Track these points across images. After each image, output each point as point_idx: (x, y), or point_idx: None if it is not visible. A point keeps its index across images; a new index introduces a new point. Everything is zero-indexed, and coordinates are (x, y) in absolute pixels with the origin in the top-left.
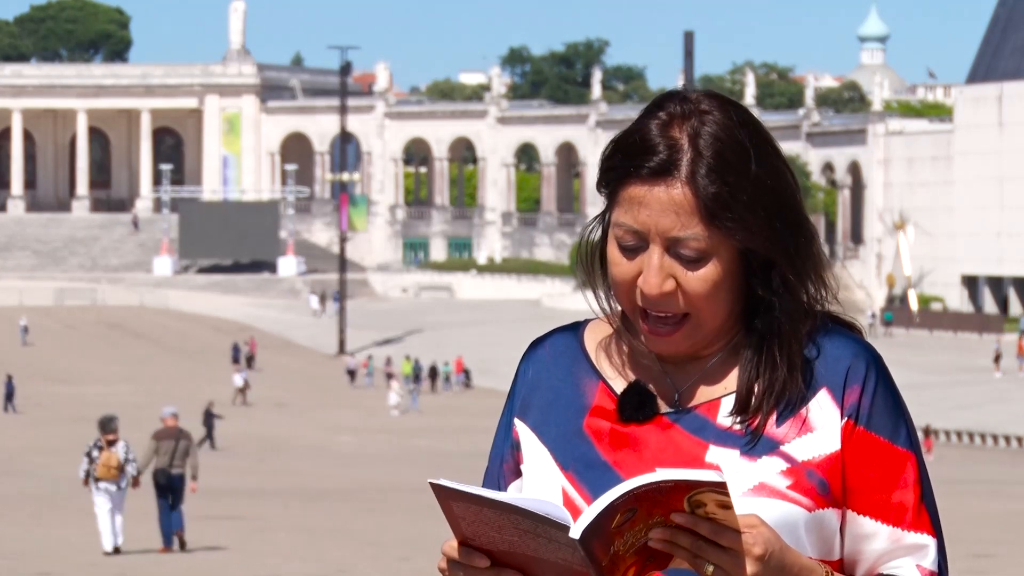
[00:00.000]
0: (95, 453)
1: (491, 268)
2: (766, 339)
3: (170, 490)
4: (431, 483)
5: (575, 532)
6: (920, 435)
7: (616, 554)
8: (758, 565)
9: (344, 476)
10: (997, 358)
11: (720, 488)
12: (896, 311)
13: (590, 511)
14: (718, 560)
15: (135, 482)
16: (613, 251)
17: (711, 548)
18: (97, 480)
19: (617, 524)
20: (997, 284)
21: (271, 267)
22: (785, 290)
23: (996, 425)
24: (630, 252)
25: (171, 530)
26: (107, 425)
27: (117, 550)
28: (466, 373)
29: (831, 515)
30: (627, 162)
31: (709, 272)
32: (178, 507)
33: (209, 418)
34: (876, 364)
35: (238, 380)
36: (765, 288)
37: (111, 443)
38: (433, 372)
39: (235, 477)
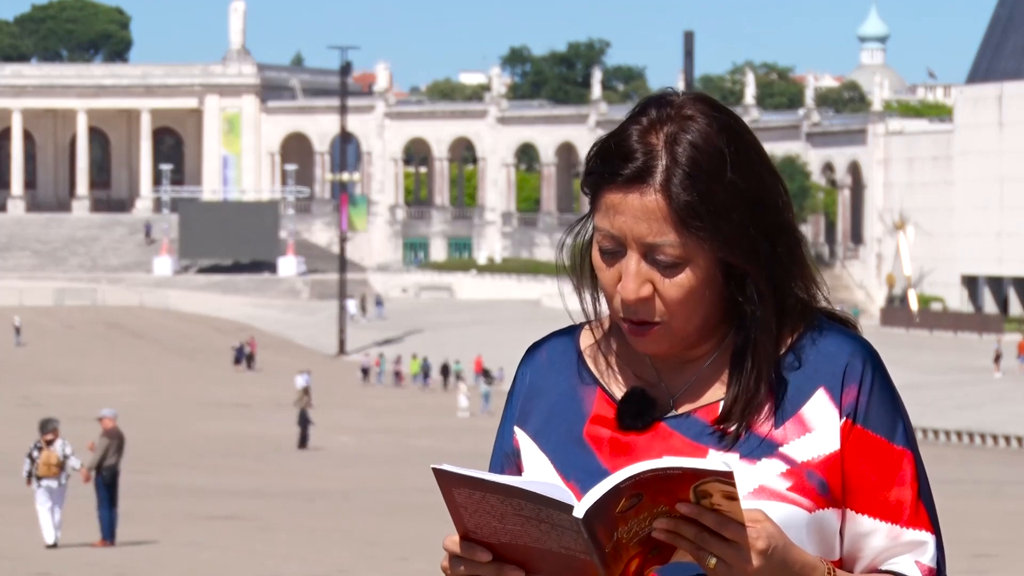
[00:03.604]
0: (35, 453)
1: (491, 268)
2: (747, 346)
3: (113, 488)
4: (434, 468)
5: (579, 511)
6: None
7: (619, 542)
8: (761, 559)
9: (344, 476)
10: (997, 358)
11: (727, 478)
12: (896, 311)
13: (594, 491)
14: (721, 552)
15: (85, 476)
16: (596, 256)
17: (715, 540)
18: (39, 478)
19: (622, 509)
20: (997, 284)
21: (271, 267)
22: (760, 299)
23: (996, 425)
24: (610, 256)
25: (112, 524)
26: (45, 426)
27: (55, 544)
28: (485, 372)
29: (831, 515)
30: (605, 167)
31: (685, 279)
32: (115, 506)
33: (304, 420)
34: (872, 361)
35: (300, 381)
36: (742, 295)
37: (49, 443)
38: (445, 371)
39: (235, 477)
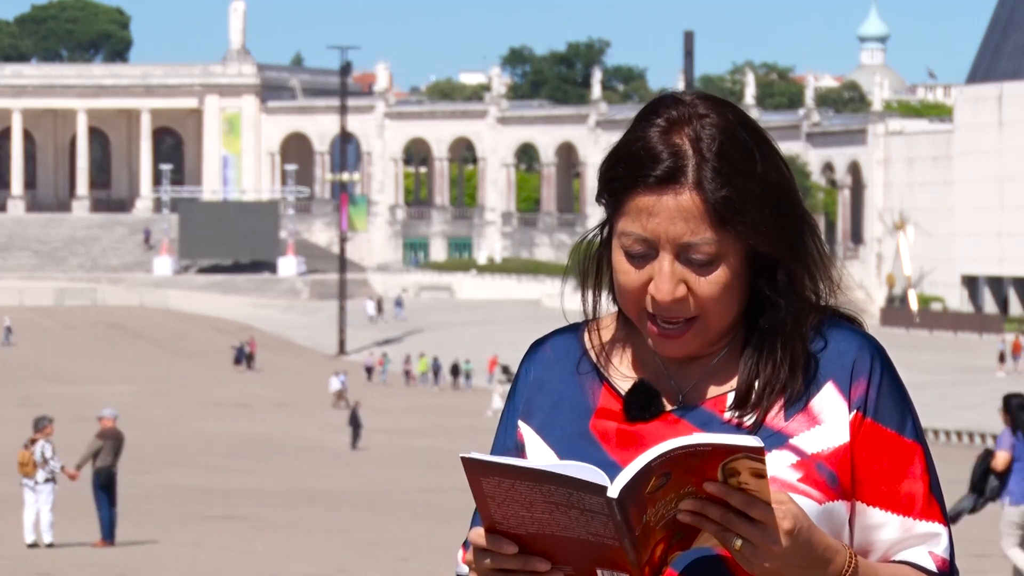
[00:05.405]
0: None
1: (491, 268)
2: (769, 336)
3: (110, 488)
4: (463, 457)
5: (613, 491)
6: None
7: (648, 525)
8: (788, 539)
9: (344, 476)
10: (1002, 357)
11: (757, 454)
12: (896, 311)
13: (628, 471)
14: (747, 533)
15: (71, 475)
16: (620, 260)
17: (741, 521)
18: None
19: (652, 489)
20: (997, 284)
21: (271, 267)
22: (790, 288)
23: (996, 425)
24: (638, 260)
25: (111, 524)
26: (36, 424)
27: (35, 544)
28: (505, 369)
29: (840, 507)
30: (632, 172)
31: (720, 275)
32: (114, 506)
33: (355, 420)
34: (880, 356)
35: (335, 384)
36: (771, 287)
37: (34, 441)
38: (455, 370)
39: (235, 477)
